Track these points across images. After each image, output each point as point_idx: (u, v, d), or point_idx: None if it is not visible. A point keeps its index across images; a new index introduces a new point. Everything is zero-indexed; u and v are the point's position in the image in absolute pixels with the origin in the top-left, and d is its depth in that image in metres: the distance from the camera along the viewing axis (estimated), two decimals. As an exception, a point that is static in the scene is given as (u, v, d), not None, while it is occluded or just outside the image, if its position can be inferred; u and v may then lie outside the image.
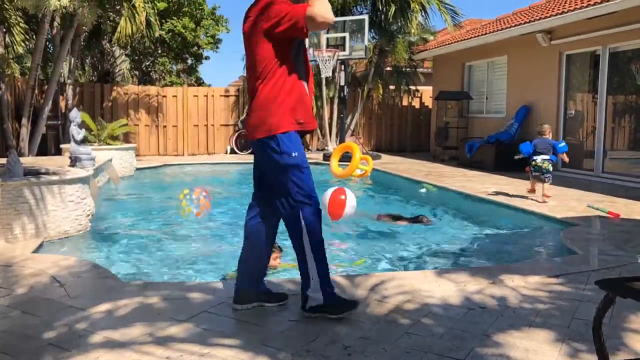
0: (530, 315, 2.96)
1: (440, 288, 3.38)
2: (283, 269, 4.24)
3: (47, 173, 5.53)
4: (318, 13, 2.69)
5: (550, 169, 6.99)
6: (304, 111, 2.89)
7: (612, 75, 9.42)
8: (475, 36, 12.53)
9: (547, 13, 10.23)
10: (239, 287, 3.03)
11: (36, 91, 11.92)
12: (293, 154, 2.80)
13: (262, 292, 3.06)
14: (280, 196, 2.86)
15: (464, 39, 13.01)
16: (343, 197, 5.69)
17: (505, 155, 10.64)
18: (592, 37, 9.44)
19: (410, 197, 8.41)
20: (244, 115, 14.72)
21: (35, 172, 5.51)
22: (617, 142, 9.70)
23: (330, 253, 5.19)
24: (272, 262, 4.09)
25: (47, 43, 13.83)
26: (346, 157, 10.12)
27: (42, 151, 12.11)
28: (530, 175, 7.15)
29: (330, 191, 5.88)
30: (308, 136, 15.98)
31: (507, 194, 7.50)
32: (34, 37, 12.02)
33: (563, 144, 7.26)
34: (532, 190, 7.18)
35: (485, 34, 12.04)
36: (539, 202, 6.86)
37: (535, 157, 7.00)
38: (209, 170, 12.20)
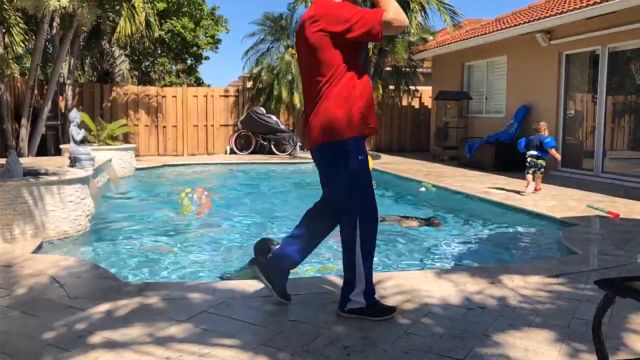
0: (530, 315, 2.96)
1: (439, 288, 3.38)
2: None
3: (46, 173, 5.53)
4: (395, 17, 2.68)
5: (543, 163, 7.45)
6: (374, 115, 2.87)
7: (612, 75, 9.43)
8: (474, 36, 12.53)
9: (547, 13, 10.23)
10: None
11: (36, 91, 11.91)
12: (359, 157, 2.80)
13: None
14: (341, 199, 2.85)
15: (464, 39, 13.01)
16: None
17: (505, 155, 10.67)
18: (592, 37, 9.44)
19: (409, 197, 8.41)
20: (244, 116, 14.73)
21: (34, 173, 5.51)
22: (617, 142, 9.71)
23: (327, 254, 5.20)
24: None
25: (47, 43, 13.83)
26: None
27: (42, 151, 12.10)
28: (526, 171, 7.56)
29: None
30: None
31: (508, 191, 7.50)
32: (34, 37, 12.01)
33: (549, 139, 7.46)
34: (528, 184, 7.55)
35: (485, 34, 12.04)
36: (532, 193, 7.42)
37: (527, 153, 7.50)
38: (209, 171, 12.20)
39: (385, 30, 2.70)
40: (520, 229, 5.98)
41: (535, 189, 7.52)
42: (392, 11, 2.68)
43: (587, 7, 8.86)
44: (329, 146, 2.81)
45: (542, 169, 7.50)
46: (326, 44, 2.75)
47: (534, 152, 7.46)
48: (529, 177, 7.49)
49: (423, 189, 8.54)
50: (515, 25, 10.93)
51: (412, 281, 3.52)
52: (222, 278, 4.12)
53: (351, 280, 2.87)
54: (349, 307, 2.88)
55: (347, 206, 2.84)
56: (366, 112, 2.82)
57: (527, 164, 7.51)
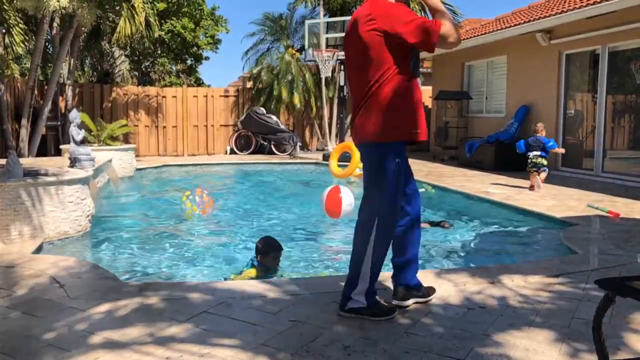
0: (530, 315, 2.96)
1: (439, 288, 3.37)
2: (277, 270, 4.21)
3: (46, 174, 5.53)
4: (452, 33, 2.69)
5: (545, 162, 7.83)
6: (422, 122, 2.87)
7: (612, 74, 9.42)
8: (474, 36, 12.53)
9: (547, 12, 10.23)
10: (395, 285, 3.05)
11: (36, 92, 11.92)
12: (397, 161, 2.81)
13: (413, 287, 3.06)
14: (370, 197, 2.87)
15: (464, 39, 13.00)
16: (340, 195, 5.69)
17: (505, 155, 10.67)
18: (592, 37, 9.44)
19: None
20: (244, 116, 14.73)
21: (34, 173, 5.51)
22: (617, 141, 9.70)
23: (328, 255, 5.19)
24: (272, 262, 4.08)
25: (47, 44, 13.84)
26: (345, 157, 10.17)
27: (42, 152, 12.11)
28: (530, 171, 7.90)
29: (327, 190, 5.89)
30: (308, 136, 15.99)
31: (507, 187, 7.51)
32: (34, 37, 12.02)
33: (552, 142, 7.91)
34: (533, 187, 7.79)
35: (485, 33, 12.04)
36: (535, 190, 7.67)
37: (529, 154, 7.88)
38: (209, 171, 12.20)
39: (441, 43, 2.70)
40: (520, 228, 5.98)
41: (537, 186, 7.80)
42: (450, 26, 2.69)
43: (587, 7, 8.86)
44: (373, 146, 2.83)
45: (545, 168, 7.85)
46: (378, 43, 2.73)
47: (537, 153, 7.81)
48: (536, 177, 7.78)
49: (423, 189, 8.54)
50: (515, 25, 10.93)
51: (412, 281, 3.52)
52: (225, 279, 4.12)
53: (354, 279, 2.87)
54: (350, 306, 2.88)
55: (370, 204, 2.86)
56: (414, 118, 2.82)
57: (530, 164, 7.85)
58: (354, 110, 2.95)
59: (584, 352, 2.48)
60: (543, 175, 7.85)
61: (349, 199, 5.75)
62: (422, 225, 6.00)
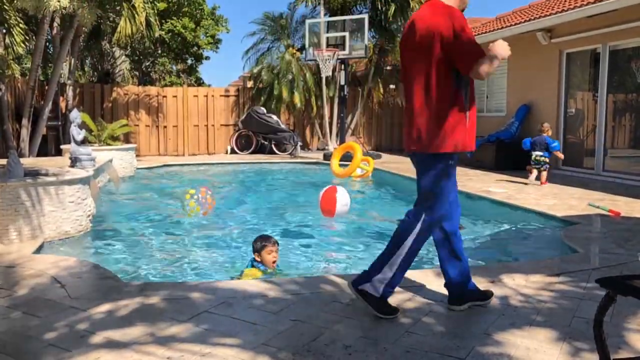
0: (531, 314, 2.95)
1: (441, 287, 3.37)
2: (276, 269, 4.21)
3: (47, 174, 5.53)
4: (487, 71, 2.68)
5: (547, 161, 8.33)
6: (474, 134, 2.89)
7: (613, 73, 9.41)
8: (475, 35, 12.51)
9: (547, 11, 10.22)
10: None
11: (36, 92, 11.92)
12: (449, 170, 2.86)
13: (470, 291, 3.07)
14: (424, 202, 2.91)
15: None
16: (336, 195, 5.68)
17: (506, 154, 10.67)
18: (592, 35, 9.43)
19: (410, 196, 8.40)
20: (244, 115, 14.73)
21: (35, 173, 5.51)
22: (618, 140, 9.70)
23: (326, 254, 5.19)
24: (268, 257, 4.06)
25: (47, 44, 13.84)
26: (347, 157, 10.18)
27: (43, 152, 12.11)
28: (530, 167, 8.45)
29: (323, 189, 5.90)
30: (308, 136, 15.99)
31: (511, 183, 7.51)
32: (34, 37, 12.02)
33: (556, 143, 8.38)
34: (531, 172, 8.42)
35: (485, 32, 12.03)
36: (538, 185, 8.19)
37: (532, 152, 8.37)
38: (210, 170, 12.20)
39: (473, 71, 2.69)
40: (521, 227, 5.97)
41: (542, 183, 8.27)
42: (489, 65, 2.68)
43: (588, 6, 8.85)
44: (437, 156, 2.84)
45: (547, 166, 8.33)
46: (435, 47, 2.75)
47: (540, 153, 8.30)
48: (535, 171, 8.36)
49: None
50: (515, 24, 10.92)
51: (413, 280, 3.52)
52: (232, 278, 4.12)
53: (381, 265, 2.88)
54: (363, 287, 2.88)
55: (419, 208, 2.90)
56: (472, 127, 2.85)
57: (533, 162, 8.37)
58: (407, 113, 2.96)
59: (585, 351, 2.48)
60: (545, 173, 8.29)
61: (345, 200, 5.74)
62: None
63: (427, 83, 2.79)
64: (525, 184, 8.42)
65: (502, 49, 2.73)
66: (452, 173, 2.90)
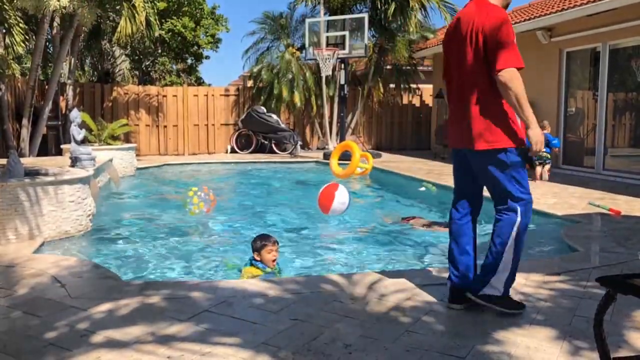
0: (531, 313, 2.96)
1: (440, 286, 3.37)
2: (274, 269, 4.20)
3: (47, 174, 5.53)
4: (516, 91, 2.72)
5: (549, 156, 8.90)
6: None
7: (613, 72, 9.41)
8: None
9: (547, 10, 10.22)
10: (453, 287, 3.06)
11: (36, 92, 11.91)
12: (518, 162, 2.91)
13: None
14: (509, 194, 2.92)
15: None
16: (335, 192, 5.68)
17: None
18: (592, 34, 9.43)
19: (411, 195, 8.41)
20: (244, 115, 14.73)
21: (35, 173, 5.51)
22: (618, 139, 9.69)
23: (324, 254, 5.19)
24: (268, 256, 4.06)
25: (47, 43, 13.83)
26: (346, 156, 10.16)
27: (43, 152, 12.11)
28: (533, 165, 8.74)
29: (325, 185, 5.93)
30: (308, 135, 15.99)
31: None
32: (34, 37, 12.02)
33: (556, 140, 9.02)
34: (537, 178, 8.67)
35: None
36: (537, 180, 8.59)
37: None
38: (210, 170, 12.21)
39: (502, 83, 2.71)
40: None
41: (547, 172, 8.87)
42: (519, 85, 2.72)
43: (588, 5, 8.84)
44: (489, 152, 2.86)
45: (550, 161, 8.92)
46: (482, 45, 2.78)
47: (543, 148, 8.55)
48: (539, 169, 8.73)
49: (423, 188, 8.54)
50: (515, 23, 10.90)
51: (412, 279, 3.52)
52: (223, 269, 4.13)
53: (494, 266, 2.90)
54: (484, 292, 2.91)
55: (505, 206, 2.93)
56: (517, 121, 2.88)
57: (536, 158, 8.69)
58: (454, 111, 3.01)
59: (585, 350, 2.48)
60: (548, 166, 8.81)
61: (343, 198, 5.75)
62: (438, 229, 5.92)
63: (483, 81, 2.82)
64: (533, 181, 8.35)
65: (535, 137, 2.83)
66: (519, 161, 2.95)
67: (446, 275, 3.64)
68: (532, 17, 10.39)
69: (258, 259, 4.07)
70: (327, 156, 12.97)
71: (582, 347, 2.52)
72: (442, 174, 9.90)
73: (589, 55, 9.97)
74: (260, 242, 4.11)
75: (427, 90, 16.52)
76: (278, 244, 4.23)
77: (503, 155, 2.85)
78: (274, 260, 4.09)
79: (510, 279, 2.92)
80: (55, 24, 12.36)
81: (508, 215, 2.90)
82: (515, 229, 2.87)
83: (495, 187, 2.96)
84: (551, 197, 7.10)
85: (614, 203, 6.52)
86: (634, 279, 1.93)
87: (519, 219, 2.88)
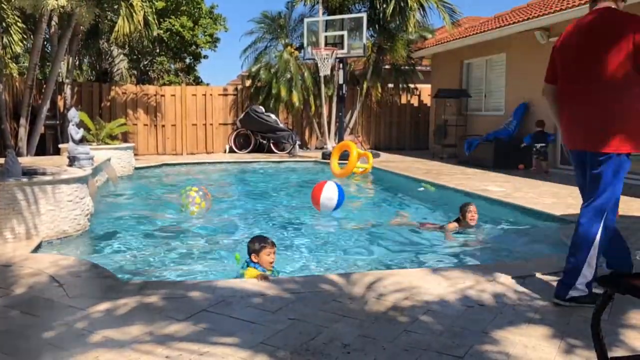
0: (528, 312, 2.96)
1: (438, 286, 3.38)
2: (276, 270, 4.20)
3: (45, 173, 5.52)
4: None
5: (547, 151, 10.11)
6: None
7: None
8: (473, 34, 12.52)
9: (546, 10, 10.23)
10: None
11: (34, 91, 11.88)
12: (625, 170, 3.04)
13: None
14: (602, 199, 3.05)
15: (463, 37, 13.01)
16: (323, 187, 6.04)
17: (504, 152, 10.68)
18: (590, 34, 9.43)
19: (410, 195, 8.42)
20: (243, 114, 14.72)
21: (33, 172, 5.50)
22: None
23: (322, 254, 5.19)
24: (266, 259, 3.96)
25: (45, 42, 13.81)
26: (346, 156, 10.22)
27: (41, 151, 12.09)
28: (532, 159, 10.29)
29: (322, 181, 6.08)
30: (307, 135, 15.99)
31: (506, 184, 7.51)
32: (32, 36, 12.00)
33: (552, 138, 10.09)
34: (536, 169, 10.11)
35: (484, 31, 12.04)
36: (541, 172, 9.88)
37: (535, 145, 10.21)
38: (208, 170, 12.19)
39: None
40: (519, 226, 5.98)
41: (546, 171, 9.95)
42: None
43: (586, 4, 8.82)
44: (608, 155, 2.98)
45: (547, 155, 10.15)
46: (625, 50, 2.86)
47: (543, 144, 10.15)
48: (541, 162, 10.13)
49: (422, 188, 8.55)
50: (514, 23, 10.93)
51: (410, 279, 3.53)
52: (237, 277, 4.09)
53: (577, 270, 2.99)
54: (572, 295, 2.99)
55: (596, 207, 3.04)
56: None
57: (536, 153, 10.17)
58: (576, 107, 3.09)
59: (583, 349, 2.49)
60: (545, 162, 10.04)
61: (329, 194, 5.87)
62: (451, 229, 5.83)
63: (610, 80, 2.92)
64: (524, 184, 8.42)
65: None
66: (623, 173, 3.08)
67: (445, 274, 3.65)
68: (531, 17, 10.40)
69: (255, 260, 3.98)
70: (325, 156, 12.97)
71: (580, 346, 2.52)
72: (441, 173, 9.91)
73: (587, 55, 9.98)
74: (258, 244, 4.01)
75: (425, 90, 16.53)
76: (275, 245, 4.16)
77: (620, 159, 2.99)
78: (271, 263, 4.01)
79: (594, 278, 3.00)
80: (53, 23, 12.33)
81: (591, 218, 3.03)
82: (599, 234, 3.00)
83: (600, 188, 3.07)
84: (550, 197, 7.11)
85: (612, 203, 6.52)
86: (631, 279, 1.94)
87: (602, 224, 3.02)
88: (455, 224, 5.67)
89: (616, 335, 2.66)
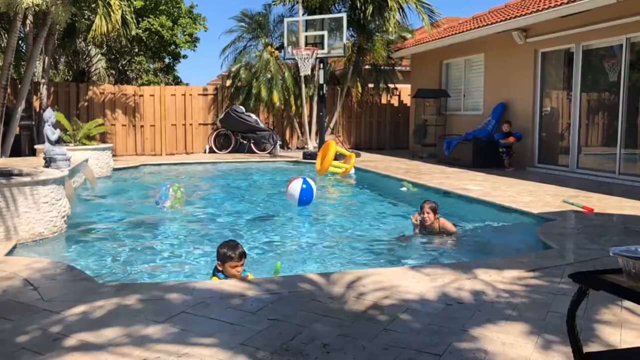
0: (506, 310, 2.99)
1: (418, 284, 3.40)
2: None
3: (20, 174, 5.42)
4: None
5: (511, 147, 10.73)
6: None
7: (586, 72, 9.59)
8: (452, 34, 12.62)
9: (523, 11, 10.36)
10: None
11: (9, 91, 11.66)
12: None
13: None
14: None
15: (442, 37, 13.11)
16: (293, 181, 6.83)
17: (483, 151, 10.80)
18: (566, 35, 9.59)
19: (390, 195, 8.45)
20: (223, 114, 14.63)
21: (8, 173, 5.39)
22: (591, 138, 9.88)
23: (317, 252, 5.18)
24: (230, 271, 3.61)
25: (20, 42, 13.54)
26: (339, 157, 10.50)
27: (16, 152, 11.85)
28: (503, 157, 10.73)
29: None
30: (287, 135, 15.96)
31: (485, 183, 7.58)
32: (6, 35, 11.77)
33: (519, 134, 10.65)
34: (509, 165, 10.57)
35: (462, 32, 12.15)
36: (508, 169, 10.35)
37: (502, 143, 10.77)
38: (187, 170, 12.08)
39: None
40: (497, 224, 6.05)
41: (510, 166, 10.51)
42: None
43: (562, 6, 8.99)
44: None
45: (512, 151, 10.70)
46: None
47: (509, 141, 10.70)
48: (506, 159, 10.59)
49: (404, 189, 8.59)
50: (492, 24, 11.04)
51: (389, 277, 3.54)
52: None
53: None
54: None
55: None
56: None
57: (503, 150, 10.68)
58: None
59: (559, 344, 2.53)
60: (507, 161, 10.66)
61: (295, 187, 6.71)
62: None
63: None
64: (503, 184, 8.48)
65: None
66: None
67: (424, 271, 3.67)
68: (508, 17, 10.53)
69: (220, 269, 3.64)
70: (306, 156, 12.95)
71: (556, 342, 2.56)
72: (421, 172, 9.97)
73: (563, 55, 10.15)
74: (225, 253, 3.63)
75: (405, 90, 16.61)
76: (245, 256, 3.71)
77: None
78: (236, 276, 3.61)
79: None
80: (28, 21, 12.09)
81: None
82: None
83: None
84: (527, 195, 7.20)
85: (588, 201, 6.65)
86: (605, 275, 1.96)
87: None
88: (417, 217, 5.47)
89: (592, 330, 2.70)
